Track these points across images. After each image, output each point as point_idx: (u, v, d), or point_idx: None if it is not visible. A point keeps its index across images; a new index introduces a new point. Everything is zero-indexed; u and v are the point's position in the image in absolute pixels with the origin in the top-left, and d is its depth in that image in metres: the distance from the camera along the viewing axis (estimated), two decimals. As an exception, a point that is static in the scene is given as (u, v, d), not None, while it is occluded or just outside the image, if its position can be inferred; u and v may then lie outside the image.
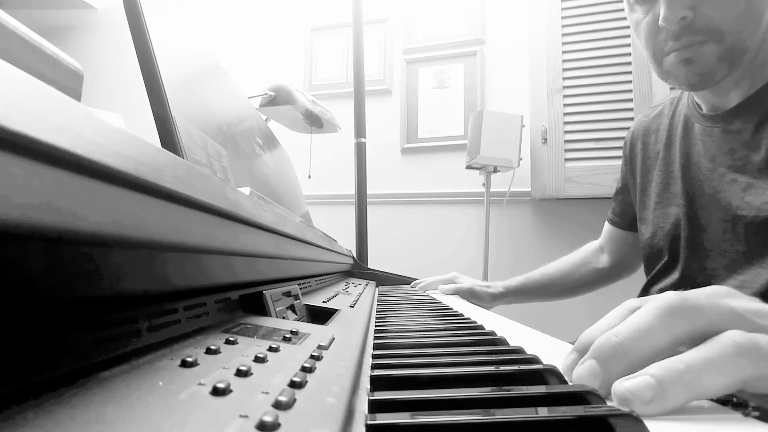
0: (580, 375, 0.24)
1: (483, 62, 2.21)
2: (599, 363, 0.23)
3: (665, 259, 0.74)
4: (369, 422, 0.17)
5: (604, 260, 1.00)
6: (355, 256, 1.34)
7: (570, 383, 0.24)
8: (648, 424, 0.17)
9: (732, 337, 0.21)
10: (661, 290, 0.75)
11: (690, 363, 0.20)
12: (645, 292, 0.79)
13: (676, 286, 0.71)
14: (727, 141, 0.65)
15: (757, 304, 0.24)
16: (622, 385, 0.21)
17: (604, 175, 1.80)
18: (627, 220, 0.92)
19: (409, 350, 0.33)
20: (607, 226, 0.98)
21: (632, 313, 0.25)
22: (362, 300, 0.65)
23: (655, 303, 0.24)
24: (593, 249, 1.02)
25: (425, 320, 0.50)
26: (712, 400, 0.22)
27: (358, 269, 1.28)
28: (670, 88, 0.68)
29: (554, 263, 1.05)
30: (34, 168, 0.10)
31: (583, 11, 1.89)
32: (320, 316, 0.46)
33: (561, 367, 0.26)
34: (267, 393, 0.16)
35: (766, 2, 0.58)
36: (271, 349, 0.22)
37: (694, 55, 0.60)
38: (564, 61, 1.91)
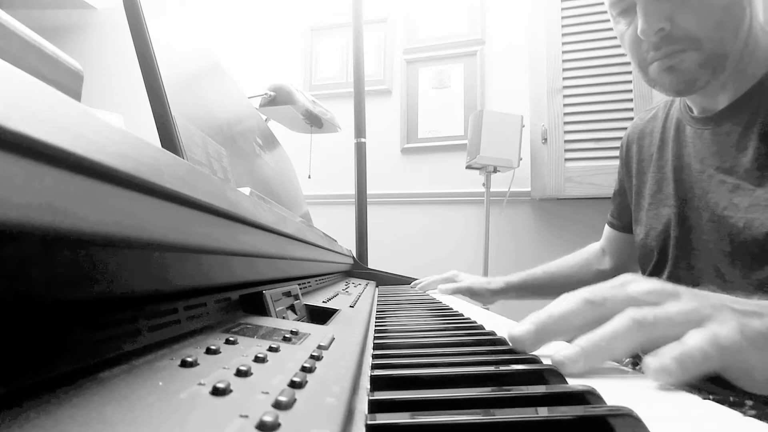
0: (516, 333, 0.33)
1: (483, 62, 2.21)
2: (534, 326, 0.32)
3: (656, 259, 0.75)
4: (369, 422, 0.17)
5: (605, 262, 1.00)
6: (355, 256, 1.34)
7: (568, 382, 0.24)
8: (648, 423, 0.17)
9: (629, 313, 0.29)
10: None
11: (602, 334, 0.29)
12: None
13: None
14: (716, 143, 0.65)
15: (649, 285, 0.32)
16: (559, 354, 0.28)
17: (604, 175, 1.80)
18: (624, 222, 0.92)
19: (409, 350, 0.33)
20: (607, 228, 0.98)
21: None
22: (362, 300, 0.65)
23: (576, 295, 0.33)
24: (595, 251, 1.02)
25: (425, 320, 0.50)
26: (712, 399, 0.22)
27: (358, 269, 1.28)
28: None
29: (556, 262, 1.05)
30: (34, 168, 0.10)
31: (583, 11, 1.89)
32: (320, 316, 0.46)
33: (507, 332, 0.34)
34: (267, 393, 0.16)
35: (744, 7, 0.59)
36: (271, 349, 0.22)
37: (675, 63, 0.61)
38: (564, 61, 1.91)
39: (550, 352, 0.33)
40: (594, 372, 0.29)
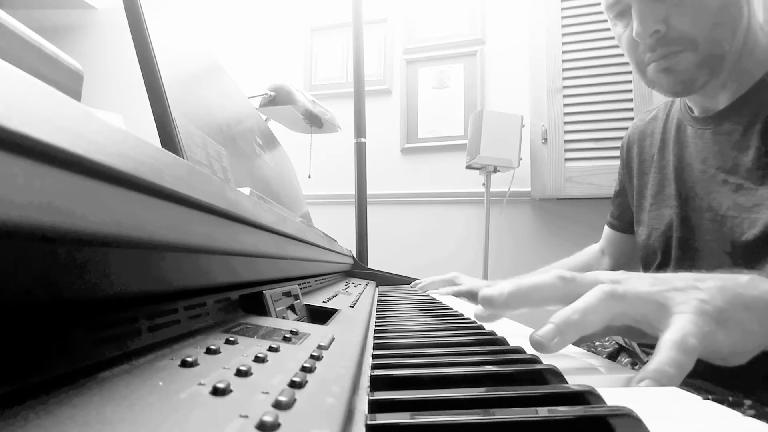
0: (488, 292, 0.35)
1: (483, 62, 2.21)
2: (506, 291, 0.34)
3: (659, 260, 0.75)
4: (369, 422, 0.17)
5: (605, 263, 1.00)
6: (355, 256, 1.34)
7: (570, 384, 0.24)
8: (648, 423, 0.17)
9: (600, 287, 0.31)
10: None
11: (575, 308, 0.30)
12: None
13: None
14: (718, 143, 0.65)
15: (615, 274, 0.34)
16: (535, 334, 0.30)
17: (604, 175, 1.80)
18: (625, 222, 0.92)
19: (409, 350, 0.33)
20: (606, 229, 0.98)
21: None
22: (362, 300, 0.65)
23: (549, 271, 0.35)
24: (594, 252, 1.02)
25: (425, 320, 0.50)
26: (711, 399, 0.22)
27: (358, 269, 1.28)
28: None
29: (556, 265, 1.05)
30: (34, 168, 0.10)
31: (583, 11, 1.89)
32: (320, 316, 0.46)
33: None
34: (267, 393, 0.16)
35: (742, 6, 0.59)
36: (271, 349, 0.22)
37: (672, 64, 0.61)
38: (564, 61, 1.91)
39: (521, 336, 0.34)
40: (594, 371, 0.29)
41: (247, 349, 0.22)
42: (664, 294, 0.31)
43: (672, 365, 0.27)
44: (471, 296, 1.00)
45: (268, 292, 0.35)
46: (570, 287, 0.33)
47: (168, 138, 0.41)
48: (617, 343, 0.80)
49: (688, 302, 0.30)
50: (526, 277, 0.35)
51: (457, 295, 0.99)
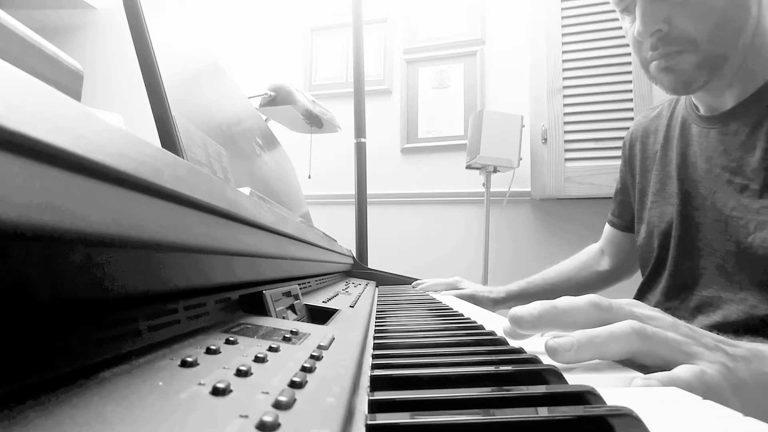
0: (519, 312, 0.34)
1: (483, 62, 2.21)
2: (537, 311, 0.33)
3: (658, 257, 0.75)
4: (369, 422, 0.17)
5: (604, 263, 1.00)
6: (355, 256, 1.34)
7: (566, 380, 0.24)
8: (648, 423, 0.17)
9: (630, 322, 0.31)
10: (656, 290, 0.74)
11: (599, 332, 0.30)
12: (640, 294, 0.79)
13: (666, 285, 0.71)
14: (723, 142, 0.65)
15: (651, 312, 0.34)
16: (553, 341, 0.30)
17: (604, 175, 1.80)
18: (626, 220, 0.92)
19: (409, 350, 0.33)
20: (607, 227, 0.98)
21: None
22: (362, 300, 0.64)
23: (583, 296, 0.33)
24: (594, 252, 1.02)
25: (425, 320, 0.50)
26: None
27: (358, 269, 1.28)
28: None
29: (555, 267, 1.05)
30: (34, 168, 0.10)
31: (583, 11, 1.89)
32: (320, 316, 0.46)
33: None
34: (267, 393, 0.16)
35: (749, 7, 0.58)
36: (271, 349, 0.22)
37: (672, 63, 0.61)
38: (564, 61, 1.91)
39: (540, 343, 0.33)
40: (594, 371, 0.29)
41: (247, 349, 0.22)
42: (691, 346, 0.30)
43: (683, 383, 0.26)
44: (473, 301, 1.00)
45: (268, 292, 0.35)
46: (603, 316, 0.32)
47: (168, 138, 0.41)
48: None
49: (713, 364, 0.29)
50: (559, 300, 0.34)
51: (459, 297, 0.99)
